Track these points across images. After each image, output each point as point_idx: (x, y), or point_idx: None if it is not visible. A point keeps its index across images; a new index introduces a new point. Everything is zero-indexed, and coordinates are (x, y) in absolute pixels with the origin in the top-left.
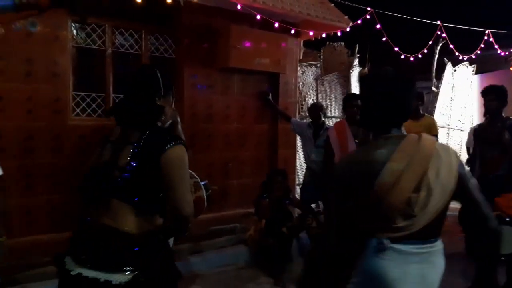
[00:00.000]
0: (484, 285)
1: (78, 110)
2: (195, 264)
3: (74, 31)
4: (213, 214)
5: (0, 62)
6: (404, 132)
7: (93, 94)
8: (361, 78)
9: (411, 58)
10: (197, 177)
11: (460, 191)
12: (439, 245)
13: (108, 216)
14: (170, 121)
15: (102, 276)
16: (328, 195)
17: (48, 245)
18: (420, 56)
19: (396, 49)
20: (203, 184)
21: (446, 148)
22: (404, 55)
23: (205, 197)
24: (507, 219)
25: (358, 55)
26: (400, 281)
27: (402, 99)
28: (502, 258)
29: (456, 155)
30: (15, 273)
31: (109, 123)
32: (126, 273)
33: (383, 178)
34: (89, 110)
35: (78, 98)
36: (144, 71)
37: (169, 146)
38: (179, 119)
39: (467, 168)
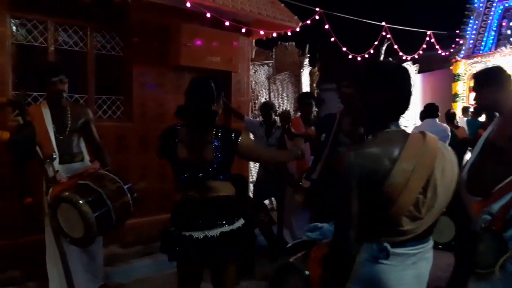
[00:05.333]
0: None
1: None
2: (145, 266)
3: (14, 28)
4: (165, 215)
5: None
6: (400, 126)
7: (35, 93)
8: (362, 70)
9: (358, 58)
10: (120, 181)
11: (456, 190)
12: (431, 241)
13: (209, 192)
14: (83, 120)
15: (225, 228)
16: (339, 188)
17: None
18: (366, 56)
19: (344, 49)
20: (127, 188)
21: (446, 146)
22: (352, 55)
23: (131, 201)
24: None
25: (308, 55)
26: (399, 285)
27: (406, 90)
28: (440, 247)
29: (454, 154)
30: None
31: None
32: (239, 220)
33: (394, 179)
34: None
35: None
36: (201, 83)
37: (239, 139)
38: (91, 117)
39: None
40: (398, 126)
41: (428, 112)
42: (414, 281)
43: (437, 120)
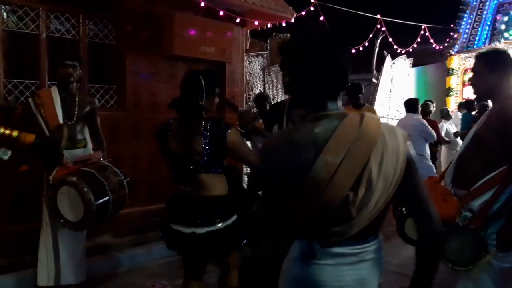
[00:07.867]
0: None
1: (10, 98)
2: (139, 256)
3: (4, 14)
4: (158, 205)
5: None
6: (341, 107)
7: (27, 81)
8: (284, 45)
9: (353, 51)
10: (121, 174)
11: (404, 183)
12: (378, 242)
13: (202, 189)
14: (88, 108)
15: (213, 228)
16: (260, 185)
17: None
18: (361, 48)
19: None
20: (126, 182)
21: (392, 130)
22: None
23: (127, 195)
24: None
25: None
26: (335, 287)
27: (336, 63)
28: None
29: (404, 139)
30: None
31: None
32: (230, 218)
33: (316, 173)
34: (22, 99)
35: (10, 86)
36: (190, 77)
37: (228, 132)
38: (97, 107)
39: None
40: (337, 106)
41: (407, 107)
42: (356, 284)
43: (414, 115)
